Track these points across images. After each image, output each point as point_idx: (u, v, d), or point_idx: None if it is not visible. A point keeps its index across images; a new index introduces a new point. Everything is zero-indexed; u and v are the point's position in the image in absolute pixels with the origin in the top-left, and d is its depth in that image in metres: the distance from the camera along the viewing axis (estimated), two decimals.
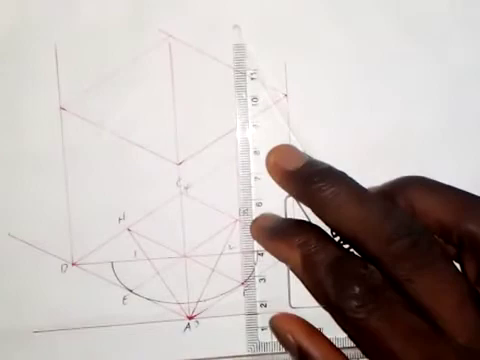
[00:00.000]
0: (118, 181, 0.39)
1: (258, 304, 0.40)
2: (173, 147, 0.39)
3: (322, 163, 0.21)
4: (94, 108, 0.39)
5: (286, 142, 0.21)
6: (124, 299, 0.39)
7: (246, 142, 0.39)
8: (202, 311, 0.39)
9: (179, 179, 0.39)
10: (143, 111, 0.39)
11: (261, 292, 0.40)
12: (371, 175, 0.40)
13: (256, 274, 0.39)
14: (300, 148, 0.21)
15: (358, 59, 0.40)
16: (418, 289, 0.18)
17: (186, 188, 0.39)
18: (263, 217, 0.22)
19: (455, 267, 0.19)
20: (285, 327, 0.21)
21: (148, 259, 0.39)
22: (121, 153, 0.39)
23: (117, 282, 0.39)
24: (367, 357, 0.19)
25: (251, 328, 0.40)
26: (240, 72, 0.39)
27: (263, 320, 0.36)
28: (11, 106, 0.39)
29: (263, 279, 0.39)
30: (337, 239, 0.21)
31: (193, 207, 0.39)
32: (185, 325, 0.40)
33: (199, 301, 0.39)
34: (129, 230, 0.39)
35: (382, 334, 0.18)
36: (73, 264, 0.39)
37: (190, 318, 0.40)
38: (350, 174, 0.42)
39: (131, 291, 0.39)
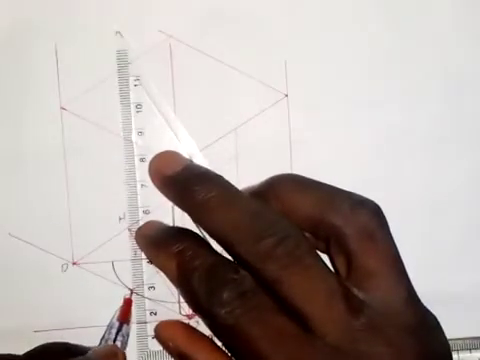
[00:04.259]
0: (118, 181, 0.39)
1: (148, 312, 0.39)
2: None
3: (199, 167, 0.20)
4: (94, 108, 0.39)
5: (173, 148, 0.20)
6: None
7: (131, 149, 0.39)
8: None
9: None
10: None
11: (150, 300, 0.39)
12: (371, 174, 0.41)
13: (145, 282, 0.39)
14: (186, 154, 0.20)
15: (358, 59, 0.40)
16: (287, 289, 0.18)
17: None
18: (147, 225, 0.21)
19: (324, 264, 0.19)
20: (166, 334, 0.20)
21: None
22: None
23: (118, 281, 0.39)
24: None
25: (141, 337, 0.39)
26: (123, 78, 0.39)
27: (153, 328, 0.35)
28: (12, 106, 0.39)
29: (152, 287, 0.39)
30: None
31: None
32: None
33: None
34: (129, 230, 0.39)
35: (250, 339, 0.17)
36: (74, 263, 0.39)
37: (189, 317, 0.40)
38: (350, 173, 0.42)
39: (132, 290, 0.39)
